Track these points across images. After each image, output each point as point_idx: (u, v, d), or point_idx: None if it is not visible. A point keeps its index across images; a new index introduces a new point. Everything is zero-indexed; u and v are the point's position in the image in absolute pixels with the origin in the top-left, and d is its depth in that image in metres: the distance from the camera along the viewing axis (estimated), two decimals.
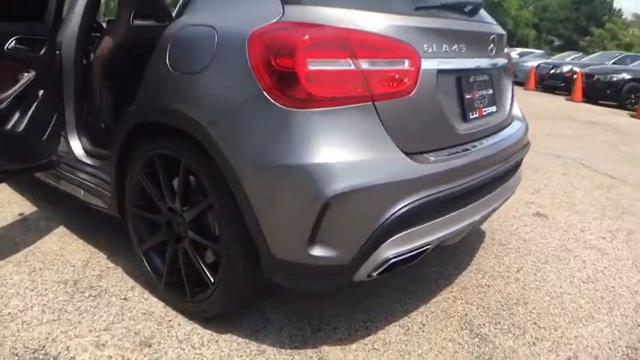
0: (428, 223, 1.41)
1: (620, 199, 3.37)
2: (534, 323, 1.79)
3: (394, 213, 1.29)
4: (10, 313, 1.68)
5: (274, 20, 1.30)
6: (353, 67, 1.27)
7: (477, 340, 1.67)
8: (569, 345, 1.68)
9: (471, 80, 1.67)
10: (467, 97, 1.64)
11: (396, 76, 1.33)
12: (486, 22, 1.82)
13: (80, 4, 2.12)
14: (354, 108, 1.28)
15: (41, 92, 2.00)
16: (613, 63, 11.41)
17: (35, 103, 1.97)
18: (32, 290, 1.82)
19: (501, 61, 1.91)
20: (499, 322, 1.78)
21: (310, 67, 1.23)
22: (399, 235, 1.33)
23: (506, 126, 1.96)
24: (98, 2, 2.18)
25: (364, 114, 1.29)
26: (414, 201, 1.33)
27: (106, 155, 2.08)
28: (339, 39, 1.26)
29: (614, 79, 9.61)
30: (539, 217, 2.91)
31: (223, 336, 1.59)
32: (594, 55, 14.28)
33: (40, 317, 1.66)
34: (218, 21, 1.38)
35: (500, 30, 1.87)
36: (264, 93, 1.25)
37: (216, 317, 1.64)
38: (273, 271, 1.39)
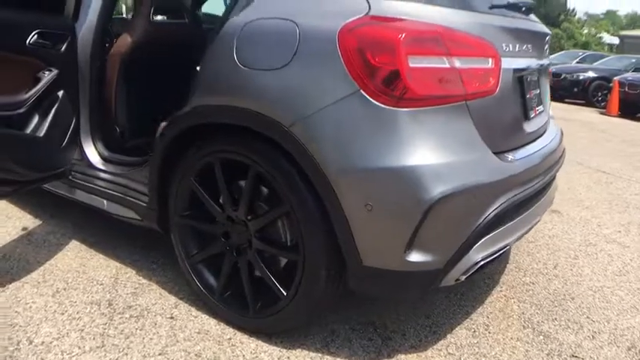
0: (510, 224, 1.44)
1: (620, 194, 3.60)
2: (587, 317, 1.87)
3: (489, 214, 1.31)
4: (43, 342, 1.54)
5: (362, 14, 1.28)
6: (448, 64, 1.28)
7: (541, 337, 1.72)
8: (624, 336, 1.77)
9: (528, 79, 1.73)
10: (527, 96, 1.69)
11: (484, 74, 1.35)
12: (539, 21, 1.89)
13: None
14: (451, 107, 1.28)
15: (61, 93, 1.86)
16: (577, 62, 12.17)
17: (55, 106, 1.83)
18: (62, 314, 1.68)
19: (546, 61, 1.99)
20: (555, 319, 1.85)
21: (411, 64, 1.22)
22: (488, 236, 1.36)
23: (548, 128, 2.04)
24: None
25: (459, 113, 1.30)
26: (505, 202, 1.36)
27: (128, 162, 1.97)
28: (435, 36, 1.26)
29: (581, 77, 10.25)
30: (555, 213, 3.04)
31: (294, 351, 1.54)
32: (557, 54, 15.15)
33: (80, 345, 1.54)
34: (297, 14, 1.33)
35: (549, 30, 1.95)
36: (361, 91, 1.23)
37: (281, 332, 1.60)
38: (360, 279, 1.36)
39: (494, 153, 1.39)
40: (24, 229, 2.29)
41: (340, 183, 1.26)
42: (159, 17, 2.16)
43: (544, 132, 1.93)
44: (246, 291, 1.57)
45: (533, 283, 2.12)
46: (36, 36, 1.74)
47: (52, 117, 1.82)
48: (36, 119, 1.78)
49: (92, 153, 2.06)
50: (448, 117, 1.28)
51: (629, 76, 9.05)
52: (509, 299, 1.97)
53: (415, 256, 1.27)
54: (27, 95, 1.71)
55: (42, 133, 1.79)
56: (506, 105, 1.48)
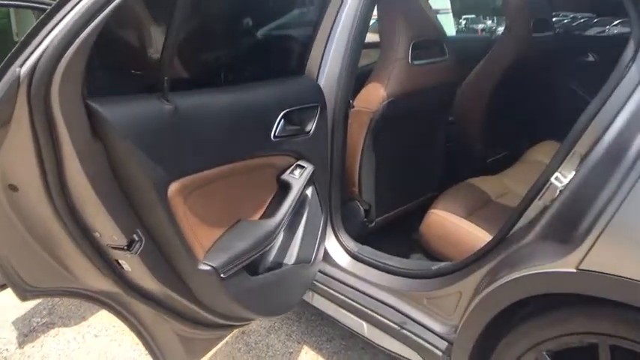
0: None
1: None
2: None
3: None
4: None
5: None
6: None
7: None
8: None
9: None
10: None
11: None
12: None
13: (339, 44, 1.58)
14: None
15: (310, 191, 1.50)
16: None
17: (305, 213, 1.48)
18: None
19: None
20: None
21: None
22: None
23: None
24: (365, 34, 1.63)
25: None
26: None
27: (399, 270, 1.55)
28: None
29: None
30: None
31: None
32: None
33: None
34: None
35: None
36: None
37: None
38: None
39: None
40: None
41: None
42: (419, 61, 1.74)
43: None
44: None
45: None
46: (282, 121, 1.39)
47: (302, 232, 1.47)
48: (282, 241, 1.44)
49: (334, 246, 1.72)
50: None
51: None
52: None
53: None
54: (276, 219, 1.33)
55: (292, 260, 1.46)
56: None
